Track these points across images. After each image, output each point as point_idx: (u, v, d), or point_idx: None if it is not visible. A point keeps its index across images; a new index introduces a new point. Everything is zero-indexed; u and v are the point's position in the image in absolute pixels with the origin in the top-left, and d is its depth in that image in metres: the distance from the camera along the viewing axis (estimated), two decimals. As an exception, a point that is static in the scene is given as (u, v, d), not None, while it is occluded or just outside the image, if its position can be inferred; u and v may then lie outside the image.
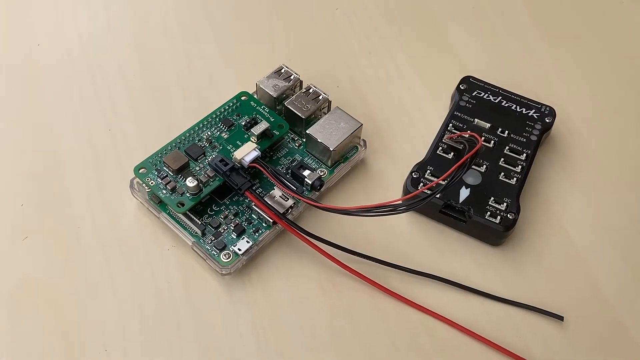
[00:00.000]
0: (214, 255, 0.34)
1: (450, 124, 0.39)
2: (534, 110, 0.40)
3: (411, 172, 0.36)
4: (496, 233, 0.35)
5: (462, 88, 0.41)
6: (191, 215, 0.34)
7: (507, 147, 0.38)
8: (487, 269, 0.35)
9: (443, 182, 0.33)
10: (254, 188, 0.34)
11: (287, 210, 0.35)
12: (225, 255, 0.34)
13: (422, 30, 0.46)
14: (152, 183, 0.34)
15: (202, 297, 0.33)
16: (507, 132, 0.38)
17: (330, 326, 0.33)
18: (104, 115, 0.40)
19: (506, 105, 0.40)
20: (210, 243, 0.34)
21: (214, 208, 0.35)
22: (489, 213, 0.35)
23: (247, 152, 0.35)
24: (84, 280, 0.34)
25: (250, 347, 0.32)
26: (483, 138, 0.38)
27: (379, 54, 0.44)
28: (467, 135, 0.36)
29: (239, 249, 0.34)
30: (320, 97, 0.38)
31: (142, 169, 0.35)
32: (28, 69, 0.42)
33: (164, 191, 0.34)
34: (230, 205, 0.35)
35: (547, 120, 0.39)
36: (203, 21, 0.45)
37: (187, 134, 0.36)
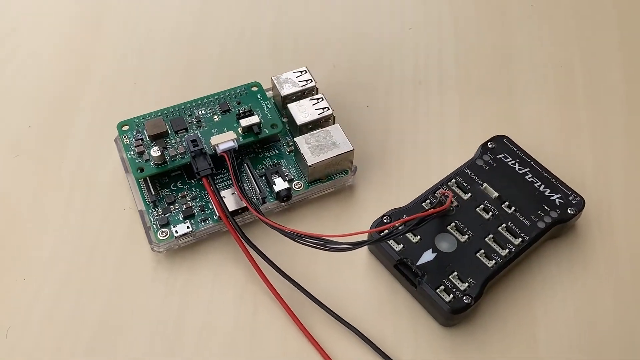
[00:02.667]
0: (154, 228, 0.33)
1: (454, 180, 0.34)
2: (559, 195, 0.34)
3: (383, 215, 0.33)
4: (442, 312, 0.31)
5: (489, 146, 0.36)
6: (149, 184, 0.34)
7: (503, 225, 0.33)
8: (422, 347, 0.31)
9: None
10: (213, 177, 0.33)
11: (239, 210, 0.33)
12: (162, 232, 0.33)
13: (486, 77, 0.41)
14: (126, 141, 0.35)
15: (130, 265, 0.33)
16: (513, 208, 0.33)
17: (229, 338, 0.31)
18: (129, 65, 0.41)
19: (529, 179, 0.35)
20: (156, 216, 0.34)
21: (179, 185, 0.35)
22: (442, 287, 0.31)
23: (224, 140, 0.34)
24: (41, 204, 0.35)
25: (145, 326, 0.31)
26: (482, 207, 0.33)
27: (429, 86, 0.41)
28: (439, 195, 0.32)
29: (177, 231, 0.33)
30: (325, 110, 0.36)
31: (125, 126, 0.35)
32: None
33: (131, 153, 0.34)
34: (195, 188, 0.35)
35: (569, 212, 0.33)
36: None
37: (182, 107, 0.36)
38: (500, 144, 0.36)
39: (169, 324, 0.32)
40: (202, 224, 0.33)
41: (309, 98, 0.36)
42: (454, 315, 0.31)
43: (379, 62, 0.42)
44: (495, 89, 0.41)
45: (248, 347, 0.31)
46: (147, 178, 0.34)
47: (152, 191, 0.34)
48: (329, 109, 0.36)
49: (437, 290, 0.31)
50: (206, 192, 0.34)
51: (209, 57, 0.42)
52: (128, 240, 0.34)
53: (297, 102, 0.36)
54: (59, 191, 0.36)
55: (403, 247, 0.32)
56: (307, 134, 0.35)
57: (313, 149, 0.34)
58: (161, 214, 0.34)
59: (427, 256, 0.32)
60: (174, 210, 0.34)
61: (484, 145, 0.36)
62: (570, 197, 0.34)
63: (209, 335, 0.31)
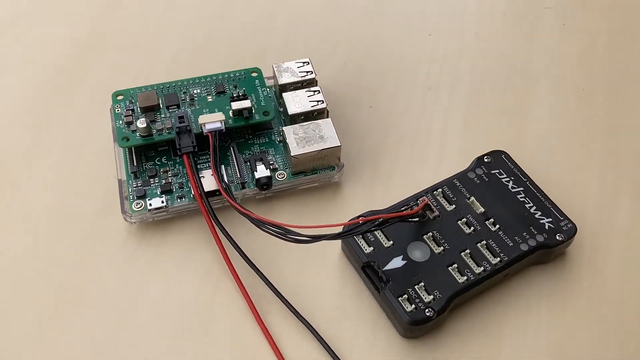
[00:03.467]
0: (130, 199, 0.33)
1: (440, 189, 0.33)
2: (550, 220, 0.32)
3: (359, 215, 0.32)
4: (401, 322, 0.29)
5: (485, 160, 0.34)
6: (133, 155, 0.34)
7: (483, 242, 0.31)
8: (376, 355, 0.30)
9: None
10: (194, 156, 0.33)
11: (217, 192, 0.33)
12: (137, 204, 0.33)
13: (501, 92, 0.39)
14: (117, 111, 0.35)
15: (102, 232, 0.33)
16: (498, 226, 0.32)
17: (182, 316, 0.31)
18: (144, 37, 0.42)
19: (521, 198, 0.33)
20: (135, 187, 0.33)
21: (163, 160, 0.34)
22: (406, 296, 0.29)
23: (211, 120, 0.34)
24: (28, 163, 0.36)
25: (104, 295, 0.31)
26: (464, 220, 0.32)
27: (439, 94, 0.39)
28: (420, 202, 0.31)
29: (151, 204, 0.33)
30: (320, 103, 0.35)
31: (120, 96, 0.36)
32: None
33: (120, 122, 0.34)
34: (179, 165, 0.34)
35: (558, 238, 0.31)
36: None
37: (179, 83, 0.36)
38: (497, 160, 0.34)
39: (128, 294, 0.31)
40: (178, 200, 0.33)
41: (306, 89, 0.35)
42: (412, 326, 0.29)
43: (391, 65, 0.41)
44: (508, 105, 0.39)
45: (199, 328, 0.30)
46: (133, 149, 0.34)
47: (135, 162, 0.34)
48: (323, 102, 0.35)
49: (400, 299, 0.29)
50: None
51: (222, 39, 0.42)
52: (105, 208, 0.34)
53: (293, 92, 0.35)
54: (49, 152, 0.36)
55: (373, 249, 0.31)
56: (297, 125, 0.34)
57: (299, 140, 0.34)
58: (140, 186, 0.33)
59: (396, 262, 0.31)
60: (153, 183, 0.34)
61: (480, 158, 0.34)
62: (562, 223, 0.32)
63: (163, 311, 0.31)
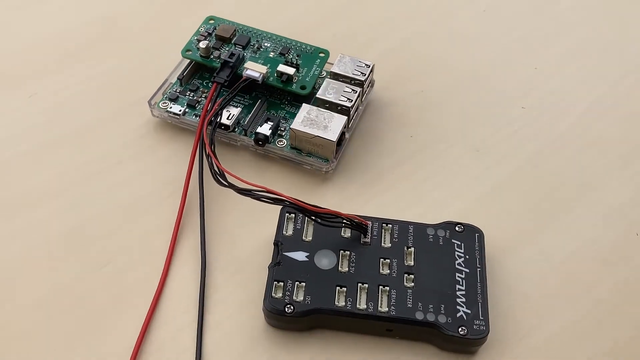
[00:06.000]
0: (162, 97, 0.38)
1: (391, 225, 0.32)
2: (468, 311, 0.30)
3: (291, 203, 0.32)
4: (263, 303, 0.30)
5: (456, 229, 0.33)
6: (190, 67, 0.39)
7: (387, 287, 0.30)
8: (232, 325, 0.31)
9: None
10: (222, 88, 0.37)
11: (222, 126, 0.36)
12: (164, 103, 0.38)
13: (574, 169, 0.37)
14: (201, 30, 0.40)
15: (132, 109, 0.39)
16: (412, 284, 0.31)
17: (128, 208, 0.35)
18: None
19: (458, 278, 0.31)
20: (173, 91, 0.38)
21: (209, 85, 0.39)
22: (282, 284, 0.30)
23: (254, 69, 0.37)
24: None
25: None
26: (387, 261, 0.31)
27: (486, 157, 0.38)
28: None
29: (171, 107, 0.37)
30: (347, 101, 0.36)
31: (211, 21, 0.40)
32: None
33: (195, 38, 0.39)
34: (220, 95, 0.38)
35: (459, 330, 0.29)
36: None
37: (257, 32, 0.40)
38: (467, 234, 0.33)
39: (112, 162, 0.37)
40: (193, 117, 0.37)
41: (347, 85, 0.37)
42: (267, 311, 0.30)
43: (459, 114, 0.40)
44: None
45: (135, 206, 0.35)
46: (194, 64, 0.39)
47: (186, 73, 0.39)
48: (350, 102, 0.36)
49: (275, 283, 0.30)
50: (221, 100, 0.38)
51: (336, 18, 0.45)
52: (145, 95, 0.38)
53: (336, 81, 0.37)
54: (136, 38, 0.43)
55: (292, 235, 0.32)
56: (315, 107, 0.36)
57: (306, 120, 0.35)
58: (176, 91, 0.38)
59: (299, 255, 0.31)
60: (187, 95, 0.38)
61: (451, 224, 0.33)
62: (477, 321, 0.30)
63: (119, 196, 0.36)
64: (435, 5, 0.46)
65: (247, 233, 0.34)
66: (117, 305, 0.32)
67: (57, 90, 0.40)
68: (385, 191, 0.36)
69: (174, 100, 0.38)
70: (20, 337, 0.31)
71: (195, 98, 0.38)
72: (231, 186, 0.30)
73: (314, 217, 0.31)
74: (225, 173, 0.31)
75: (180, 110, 0.37)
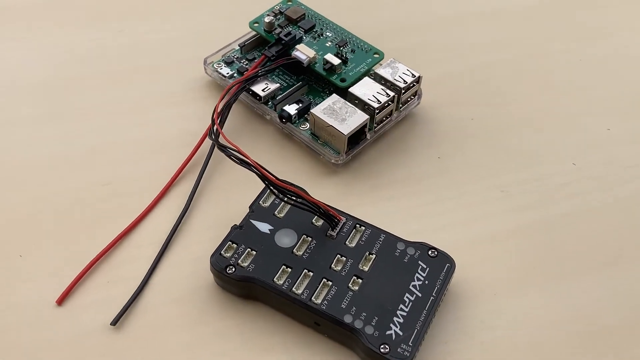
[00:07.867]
0: (219, 59, 0.40)
1: (364, 227, 0.32)
2: (400, 333, 0.29)
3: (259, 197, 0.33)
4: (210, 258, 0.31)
5: (429, 253, 0.31)
6: (255, 38, 0.41)
7: (330, 282, 0.30)
8: (184, 268, 0.32)
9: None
10: (267, 62, 0.38)
11: (258, 97, 0.38)
12: (218, 64, 0.40)
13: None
14: (276, 8, 0.42)
15: (186, 65, 0.41)
16: (356, 288, 0.30)
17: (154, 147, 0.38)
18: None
19: (406, 298, 0.30)
20: (230, 55, 0.40)
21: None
22: (234, 246, 0.31)
23: (303, 52, 0.38)
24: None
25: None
26: (343, 259, 0.31)
27: (511, 199, 0.35)
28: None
29: (221, 68, 0.40)
30: (376, 102, 0.36)
31: (289, 2, 0.42)
32: None
33: (267, 13, 0.41)
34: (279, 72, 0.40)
35: (381, 348, 0.28)
36: None
37: (324, 20, 0.41)
38: (439, 262, 0.31)
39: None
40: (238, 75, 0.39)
41: (383, 87, 0.37)
42: (211, 266, 0.31)
43: (501, 147, 0.38)
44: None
45: (142, 150, 0.37)
46: (258, 36, 0.41)
47: (248, 42, 0.41)
48: (377, 103, 0.36)
49: (229, 243, 0.31)
50: (276, 70, 0.39)
51: (411, 24, 0.45)
52: (201, 54, 0.41)
53: (374, 81, 0.37)
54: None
55: (266, 207, 0.33)
56: (343, 99, 0.36)
57: (329, 108, 0.36)
58: (233, 56, 0.40)
59: (263, 227, 0.32)
60: (242, 63, 0.40)
61: (424, 245, 0.31)
62: (403, 345, 0.28)
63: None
64: (528, 43, 0.44)
65: (237, 198, 0.35)
66: (101, 219, 0.34)
67: (143, 32, 0.44)
68: (387, 200, 0.36)
69: (229, 64, 0.40)
70: (14, 226, 0.34)
71: (247, 67, 0.40)
72: (214, 139, 0.32)
73: (275, 190, 0.31)
74: (220, 133, 0.33)
75: (228, 73, 0.39)
